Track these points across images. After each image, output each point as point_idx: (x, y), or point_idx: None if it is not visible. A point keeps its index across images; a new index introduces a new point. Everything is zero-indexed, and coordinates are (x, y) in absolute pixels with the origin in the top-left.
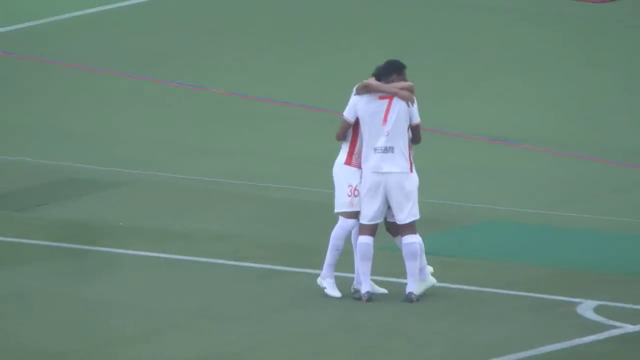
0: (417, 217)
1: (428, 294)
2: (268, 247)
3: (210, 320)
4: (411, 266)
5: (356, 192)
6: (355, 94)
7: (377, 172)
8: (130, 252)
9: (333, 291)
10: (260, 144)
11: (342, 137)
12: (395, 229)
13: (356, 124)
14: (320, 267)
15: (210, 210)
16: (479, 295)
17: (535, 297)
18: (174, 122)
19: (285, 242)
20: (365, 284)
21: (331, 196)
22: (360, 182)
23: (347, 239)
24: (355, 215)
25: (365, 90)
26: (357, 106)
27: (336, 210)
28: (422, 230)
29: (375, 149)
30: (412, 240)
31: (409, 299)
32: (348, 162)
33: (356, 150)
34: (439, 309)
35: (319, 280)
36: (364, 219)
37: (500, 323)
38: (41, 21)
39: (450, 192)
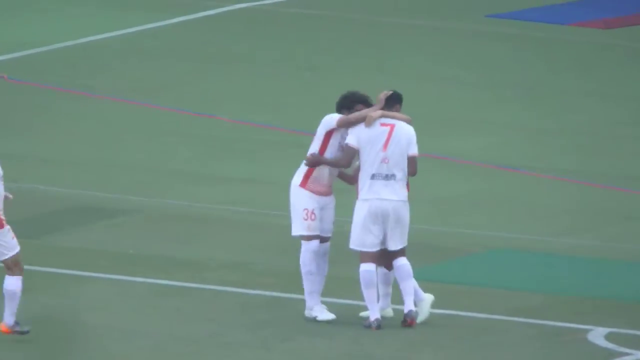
0: (406, 243)
1: (437, 323)
2: (277, 274)
3: (218, 349)
4: (407, 286)
5: (312, 217)
6: (364, 126)
7: (379, 198)
8: (139, 279)
9: (325, 315)
10: (269, 171)
11: (347, 165)
12: (382, 258)
13: (323, 149)
14: (330, 294)
15: (219, 237)
16: (488, 323)
17: (544, 324)
18: (182, 150)
19: (293, 269)
20: (373, 312)
21: (341, 225)
22: (356, 211)
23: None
24: (315, 236)
25: (371, 121)
26: (359, 133)
27: (294, 234)
28: (430, 259)
29: (373, 175)
30: (405, 262)
31: (411, 316)
32: (303, 184)
33: (314, 175)
34: (448, 337)
35: (307, 313)
36: (363, 247)
37: (509, 351)
38: (42, 49)
39: (456, 219)
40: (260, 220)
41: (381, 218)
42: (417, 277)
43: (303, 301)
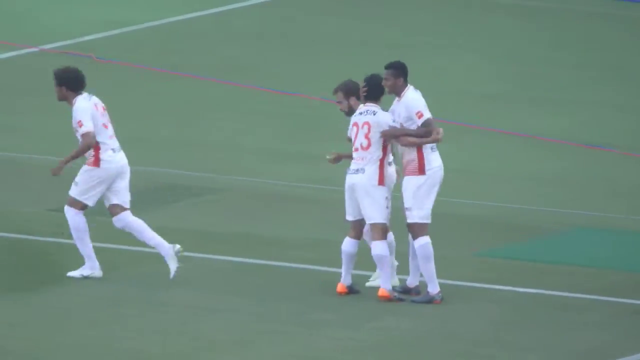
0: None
1: (521, 301)
2: (360, 253)
3: (302, 327)
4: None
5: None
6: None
7: (440, 167)
8: (222, 257)
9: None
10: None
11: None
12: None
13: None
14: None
15: (303, 216)
16: (577, 302)
17: (627, 302)
18: (267, 129)
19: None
20: (435, 285)
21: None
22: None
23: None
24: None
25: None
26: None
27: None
28: (516, 236)
29: (433, 147)
30: None
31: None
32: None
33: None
34: (536, 317)
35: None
36: (429, 218)
37: (599, 330)
38: (129, 28)
39: (543, 198)
40: (343, 199)
41: (438, 186)
42: (503, 255)
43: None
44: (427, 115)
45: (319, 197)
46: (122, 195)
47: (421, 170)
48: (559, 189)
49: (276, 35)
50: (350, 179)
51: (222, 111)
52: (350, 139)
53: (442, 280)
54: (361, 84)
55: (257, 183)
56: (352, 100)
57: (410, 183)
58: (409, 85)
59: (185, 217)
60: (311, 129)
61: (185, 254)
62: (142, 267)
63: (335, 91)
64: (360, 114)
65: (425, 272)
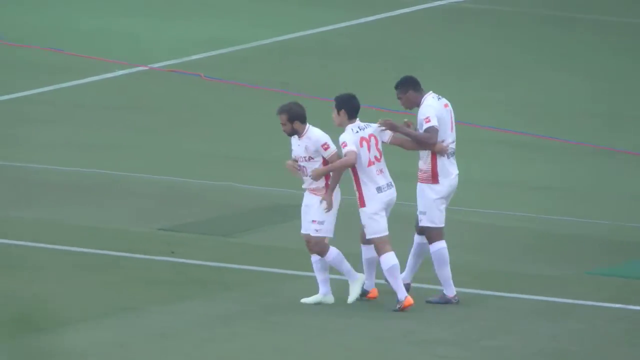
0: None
1: (630, 318)
2: (471, 272)
3: (412, 346)
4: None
5: None
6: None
7: (456, 175)
8: (336, 277)
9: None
10: (461, 169)
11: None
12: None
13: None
14: (527, 291)
15: (408, 235)
16: None
17: None
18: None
19: (488, 267)
20: (451, 289)
21: (532, 221)
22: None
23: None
24: None
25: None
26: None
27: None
28: (629, 255)
29: (448, 155)
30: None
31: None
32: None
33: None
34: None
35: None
36: (442, 223)
37: None
38: (237, 47)
39: None
40: (455, 218)
41: (451, 195)
42: (617, 273)
43: (498, 299)
44: (433, 123)
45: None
46: None
47: (434, 178)
48: None
49: (383, 53)
50: (391, 193)
51: (329, 129)
52: (295, 160)
53: (555, 299)
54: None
55: None
56: (296, 124)
57: (424, 190)
58: (427, 93)
59: (296, 237)
60: None
61: (292, 272)
62: (254, 287)
63: (279, 112)
64: (360, 130)
65: (441, 276)
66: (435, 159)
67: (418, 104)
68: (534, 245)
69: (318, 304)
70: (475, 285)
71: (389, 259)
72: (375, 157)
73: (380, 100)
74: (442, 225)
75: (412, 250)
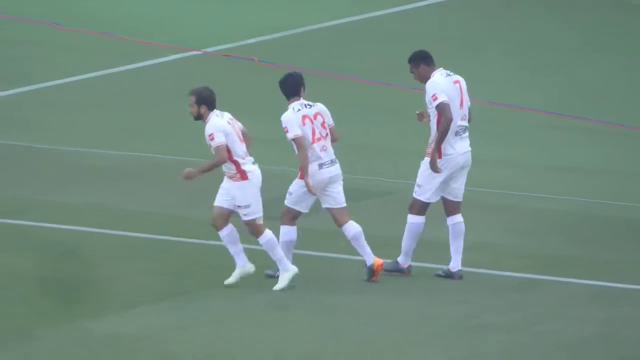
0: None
1: None
2: (528, 257)
3: (468, 330)
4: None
5: None
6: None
7: (466, 152)
8: (389, 261)
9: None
10: (522, 153)
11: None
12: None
13: None
14: (581, 276)
15: (470, 220)
16: None
17: None
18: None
19: (545, 252)
20: (458, 262)
21: (596, 206)
22: None
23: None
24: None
25: None
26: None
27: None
28: None
29: (457, 132)
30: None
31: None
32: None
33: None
34: None
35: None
36: (430, 199)
37: None
38: (292, 32)
39: None
40: (511, 203)
41: (461, 169)
42: None
43: (553, 283)
44: (441, 99)
45: (485, 200)
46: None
47: (439, 154)
48: None
49: (441, 36)
50: (334, 169)
51: (386, 115)
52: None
53: (609, 284)
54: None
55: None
56: (202, 108)
57: (424, 164)
58: (437, 69)
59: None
60: (477, 133)
61: (349, 257)
62: (307, 271)
63: (190, 93)
64: (303, 107)
65: (406, 246)
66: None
67: (429, 78)
68: (589, 229)
69: (243, 277)
70: (530, 270)
71: (288, 232)
72: (322, 134)
73: None
74: (429, 201)
75: (450, 235)
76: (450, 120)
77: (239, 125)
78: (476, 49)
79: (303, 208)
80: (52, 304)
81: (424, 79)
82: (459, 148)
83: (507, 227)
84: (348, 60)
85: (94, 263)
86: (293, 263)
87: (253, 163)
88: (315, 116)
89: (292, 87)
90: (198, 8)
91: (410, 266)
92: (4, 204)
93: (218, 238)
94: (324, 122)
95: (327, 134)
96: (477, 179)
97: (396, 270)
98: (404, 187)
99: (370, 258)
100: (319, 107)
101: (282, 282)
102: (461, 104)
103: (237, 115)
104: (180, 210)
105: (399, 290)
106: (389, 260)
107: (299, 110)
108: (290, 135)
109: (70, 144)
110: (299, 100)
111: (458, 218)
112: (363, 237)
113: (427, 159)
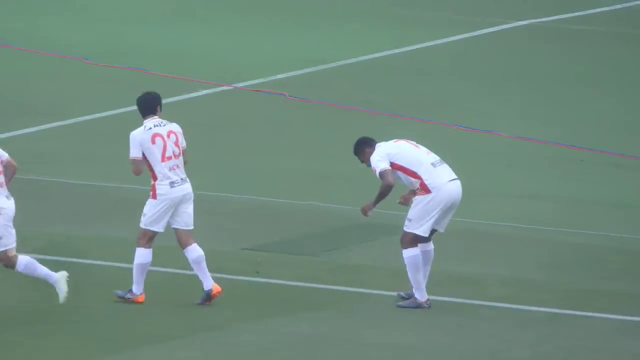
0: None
1: None
2: (556, 290)
3: None
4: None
5: None
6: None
7: (451, 180)
8: (402, 298)
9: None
10: (548, 187)
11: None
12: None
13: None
14: (611, 310)
15: (499, 253)
16: None
17: None
18: (462, 166)
19: (573, 286)
20: (424, 293)
21: (622, 240)
22: None
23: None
24: None
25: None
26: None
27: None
28: None
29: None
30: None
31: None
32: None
33: None
34: None
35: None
36: (425, 232)
37: None
38: (322, 67)
39: None
40: (538, 237)
41: (451, 206)
42: None
43: (583, 318)
44: (381, 166)
45: (513, 234)
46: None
47: (426, 190)
48: None
49: (470, 72)
50: (186, 188)
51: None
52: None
53: None
54: None
55: (452, 221)
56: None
57: (417, 200)
58: (375, 146)
59: (380, 256)
60: (504, 166)
61: (379, 292)
62: (339, 306)
63: None
64: (156, 126)
65: (414, 280)
66: (417, 174)
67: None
68: (617, 263)
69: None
70: (559, 304)
71: (143, 254)
72: (174, 153)
73: (466, 119)
74: (424, 235)
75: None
76: (389, 183)
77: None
78: (499, 84)
79: (159, 228)
80: (82, 339)
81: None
82: (443, 175)
83: (534, 261)
84: (378, 95)
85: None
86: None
87: (7, 197)
88: (168, 134)
89: (148, 105)
90: (228, 43)
91: (428, 300)
92: (36, 240)
93: (248, 274)
94: (177, 140)
95: (179, 153)
96: (503, 212)
97: (416, 307)
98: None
99: (210, 283)
100: (173, 126)
101: (62, 292)
102: (416, 145)
103: (267, 150)
104: (211, 245)
105: (427, 325)
106: (402, 293)
107: (150, 128)
108: (130, 155)
109: (101, 179)
110: (154, 118)
111: (431, 245)
112: (204, 262)
113: (419, 197)
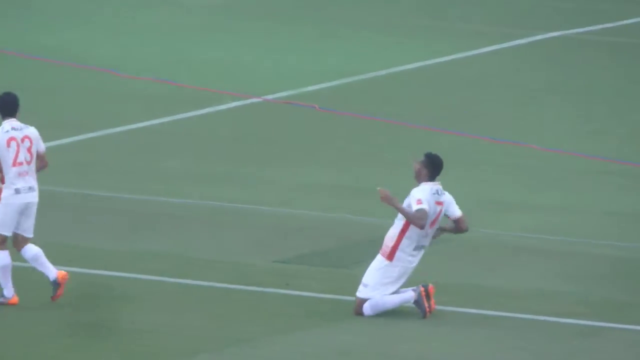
0: None
1: None
2: (588, 303)
3: None
4: None
5: None
6: None
7: None
8: (448, 308)
9: None
10: (581, 199)
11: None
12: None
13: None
14: None
15: (529, 266)
16: None
17: None
18: (493, 178)
19: (605, 298)
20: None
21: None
22: None
23: None
24: None
25: None
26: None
27: None
28: None
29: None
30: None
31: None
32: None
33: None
34: None
35: None
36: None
37: None
38: (352, 79)
39: None
40: (568, 249)
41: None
42: None
43: (616, 330)
44: (423, 206)
45: (544, 247)
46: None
47: (391, 256)
48: None
49: (499, 84)
50: (30, 197)
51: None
52: None
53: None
54: None
55: (479, 233)
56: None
57: (377, 262)
58: (428, 183)
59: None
60: (536, 179)
61: (409, 304)
62: (367, 320)
63: None
64: (14, 129)
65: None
66: (402, 238)
67: (418, 182)
68: None
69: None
70: (589, 317)
71: (2, 257)
72: (26, 159)
73: (494, 131)
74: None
75: None
76: (422, 226)
77: None
78: (533, 95)
79: (6, 231)
80: (111, 352)
81: (417, 179)
82: (412, 259)
83: (564, 273)
84: (409, 107)
85: (151, 310)
86: None
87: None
88: (22, 139)
89: (7, 107)
90: (258, 55)
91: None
92: (66, 252)
93: (278, 286)
94: (31, 146)
95: (31, 160)
96: (534, 225)
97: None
98: (466, 235)
99: (53, 273)
100: (30, 131)
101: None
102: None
103: (296, 162)
104: (241, 257)
105: (457, 339)
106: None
107: (8, 131)
108: None
109: (130, 191)
110: (13, 121)
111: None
112: (43, 256)
113: (380, 258)
